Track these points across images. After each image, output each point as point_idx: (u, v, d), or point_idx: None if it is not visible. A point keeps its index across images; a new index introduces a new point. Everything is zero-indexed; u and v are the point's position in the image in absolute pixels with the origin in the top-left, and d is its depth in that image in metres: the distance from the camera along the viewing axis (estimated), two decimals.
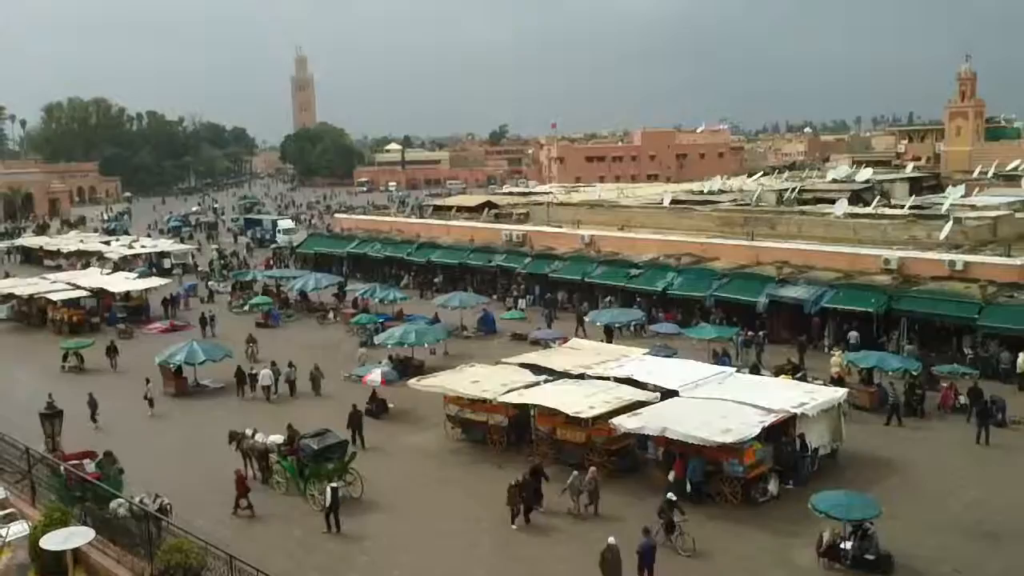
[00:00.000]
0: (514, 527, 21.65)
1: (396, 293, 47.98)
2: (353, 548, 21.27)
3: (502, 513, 22.50)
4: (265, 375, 34.43)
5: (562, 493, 22.33)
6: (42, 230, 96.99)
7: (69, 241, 75.60)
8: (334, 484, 22.41)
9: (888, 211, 50.83)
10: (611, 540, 18.49)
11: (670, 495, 20.76)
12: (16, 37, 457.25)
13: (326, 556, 20.87)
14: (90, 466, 22.87)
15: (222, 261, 67.96)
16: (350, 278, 58.36)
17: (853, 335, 36.13)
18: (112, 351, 38.88)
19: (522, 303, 48.77)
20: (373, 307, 47.12)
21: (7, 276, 59.01)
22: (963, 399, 29.21)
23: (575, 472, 22.49)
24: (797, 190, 64.60)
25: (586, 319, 42.19)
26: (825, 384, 29.08)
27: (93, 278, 52.84)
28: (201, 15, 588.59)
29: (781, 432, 23.71)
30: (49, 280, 52.78)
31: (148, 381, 33.26)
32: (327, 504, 21.91)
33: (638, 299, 44.27)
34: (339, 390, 34.02)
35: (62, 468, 21.00)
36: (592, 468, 22.57)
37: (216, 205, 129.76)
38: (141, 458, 26.21)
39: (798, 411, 23.77)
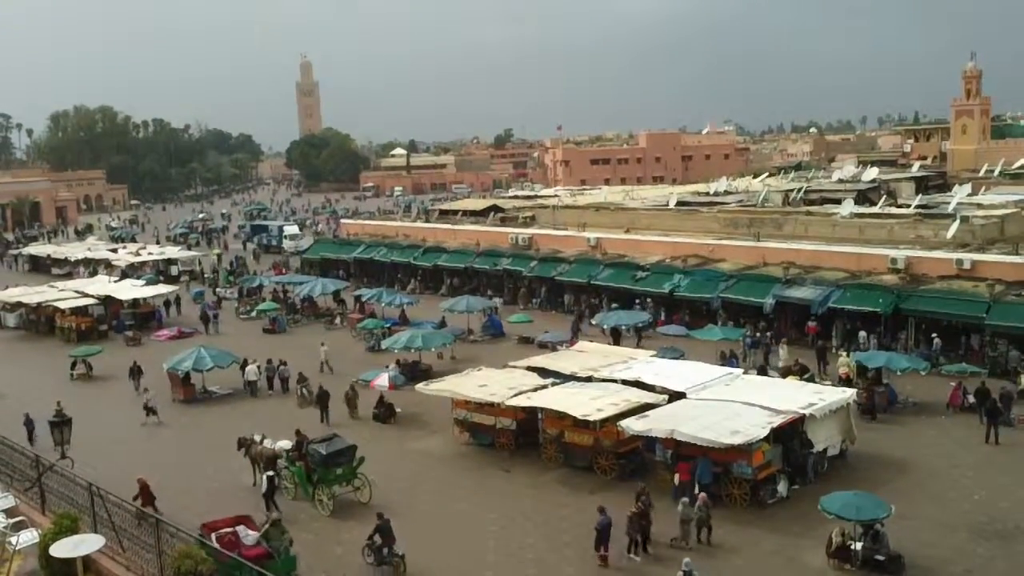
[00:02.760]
0: (638, 559, 20.07)
1: (403, 297, 48.08)
2: (361, 553, 21.24)
3: (510, 517, 22.52)
4: (251, 371, 35.61)
5: (681, 524, 20.65)
6: (30, 240, 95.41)
7: (76, 249, 75.84)
8: (270, 473, 23.65)
9: (894, 210, 50.77)
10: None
11: None
12: (20, 47, 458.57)
13: (335, 561, 20.88)
14: (248, 537, 19.09)
15: (229, 267, 68.16)
16: (356, 282, 58.43)
17: (862, 335, 36.00)
18: (136, 372, 36.54)
19: (497, 300, 49.22)
20: (380, 311, 47.24)
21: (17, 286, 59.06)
22: (971, 398, 29.13)
23: (684, 499, 20.91)
24: (803, 190, 64.58)
25: (592, 322, 42.23)
26: (833, 385, 29.05)
27: (101, 286, 53.01)
28: (204, 23, 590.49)
29: (790, 433, 23.66)
30: (57, 288, 52.95)
31: (147, 390, 33.25)
32: (264, 490, 23.33)
33: (638, 301, 44.22)
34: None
35: (214, 541, 17.47)
36: (702, 495, 21.09)
37: (223, 211, 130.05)
38: (150, 465, 26.27)
39: (806, 412, 23.73)
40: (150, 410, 32.32)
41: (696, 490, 22.53)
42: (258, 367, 36.11)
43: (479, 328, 44.23)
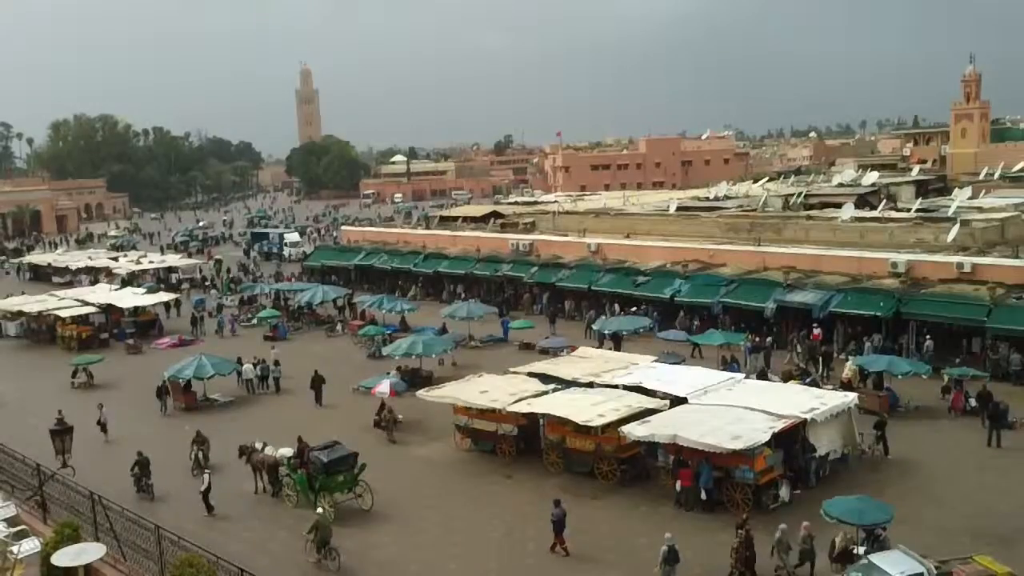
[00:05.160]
0: None
1: (403, 304, 48.09)
2: (363, 560, 21.22)
3: (511, 524, 22.47)
4: (247, 369, 37.05)
5: (772, 553, 19.22)
6: (18, 253, 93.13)
7: (77, 257, 75.90)
8: (207, 471, 24.77)
9: (895, 214, 50.76)
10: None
11: None
12: (18, 53, 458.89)
13: (337, 569, 20.83)
14: None
15: (229, 275, 68.24)
16: (357, 289, 58.44)
17: (876, 337, 35.86)
18: (163, 392, 34.91)
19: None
20: (381, 318, 47.27)
21: (20, 294, 59.04)
22: (973, 402, 29.11)
23: (782, 526, 19.48)
24: (803, 195, 64.56)
25: (594, 327, 42.25)
26: (834, 389, 29.04)
27: (102, 294, 53.03)
28: (203, 29, 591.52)
29: (792, 438, 23.63)
30: (58, 297, 52.98)
31: (101, 406, 32.18)
32: (203, 487, 24.20)
33: (642, 306, 44.18)
34: (346, 401, 34.30)
35: None
36: (806, 523, 19.46)
37: (224, 219, 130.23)
38: (153, 473, 26.27)
39: (808, 416, 23.71)
40: (102, 426, 31.23)
41: (702, 495, 22.59)
42: (254, 366, 37.31)
43: (481, 334, 44.18)
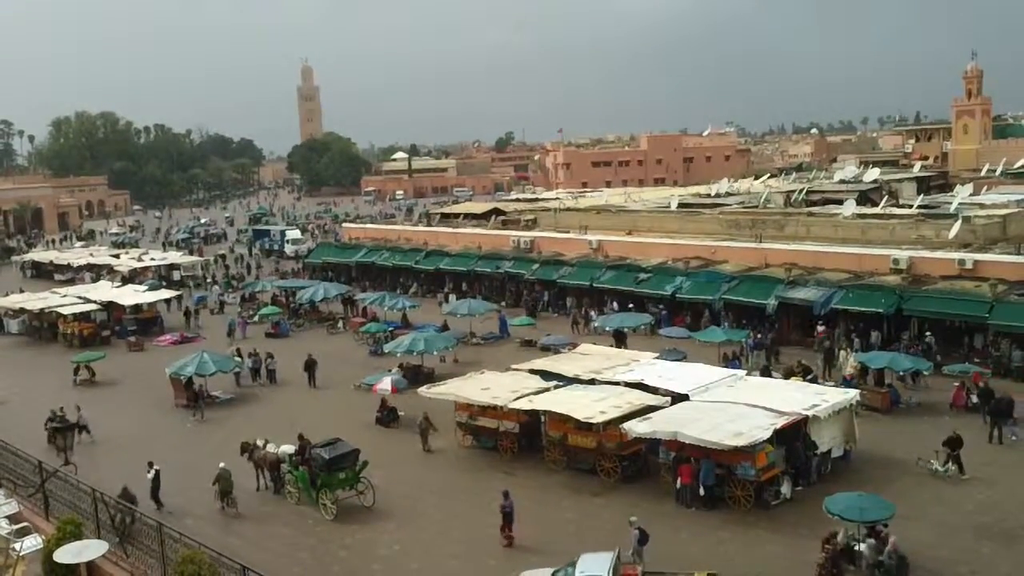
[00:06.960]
0: None
1: (404, 301, 48.08)
2: (365, 557, 21.27)
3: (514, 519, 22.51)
4: (238, 362, 37.75)
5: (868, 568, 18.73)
6: (10, 252, 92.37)
7: (79, 255, 75.92)
8: (157, 467, 24.46)
9: (896, 211, 50.75)
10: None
11: None
12: (18, 47, 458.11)
13: (339, 566, 20.88)
14: None
15: (229, 272, 68.22)
16: (358, 286, 58.43)
17: (873, 335, 35.83)
18: (193, 398, 34.19)
19: (454, 298, 49.51)
20: (382, 315, 47.28)
21: (21, 291, 59.07)
22: (974, 398, 29.06)
23: (870, 540, 18.81)
24: (804, 191, 64.57)
25: (594, 324, 42.26)
26: (836, 386, 29.01)
27: (103, 291, 53.05)
28: (204, 27, 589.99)
29: (794, 435, 23.62)
30: (60, 294, 53.00)
31: (79, 408, 31.68)
32: (150, 478, 24.35)
33: (658, 305, 44.15)
34: (348, 398, 34.30)
35: None
36: (892, 538, 18.69)
37: (226, 216, 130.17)
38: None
39: (809, 413, 23.70)
40: (83, 428, 30.71)
41: (701, 492, 22.58)
42: (248, 357, 38.29)
43: (482, 331, 44.18)
